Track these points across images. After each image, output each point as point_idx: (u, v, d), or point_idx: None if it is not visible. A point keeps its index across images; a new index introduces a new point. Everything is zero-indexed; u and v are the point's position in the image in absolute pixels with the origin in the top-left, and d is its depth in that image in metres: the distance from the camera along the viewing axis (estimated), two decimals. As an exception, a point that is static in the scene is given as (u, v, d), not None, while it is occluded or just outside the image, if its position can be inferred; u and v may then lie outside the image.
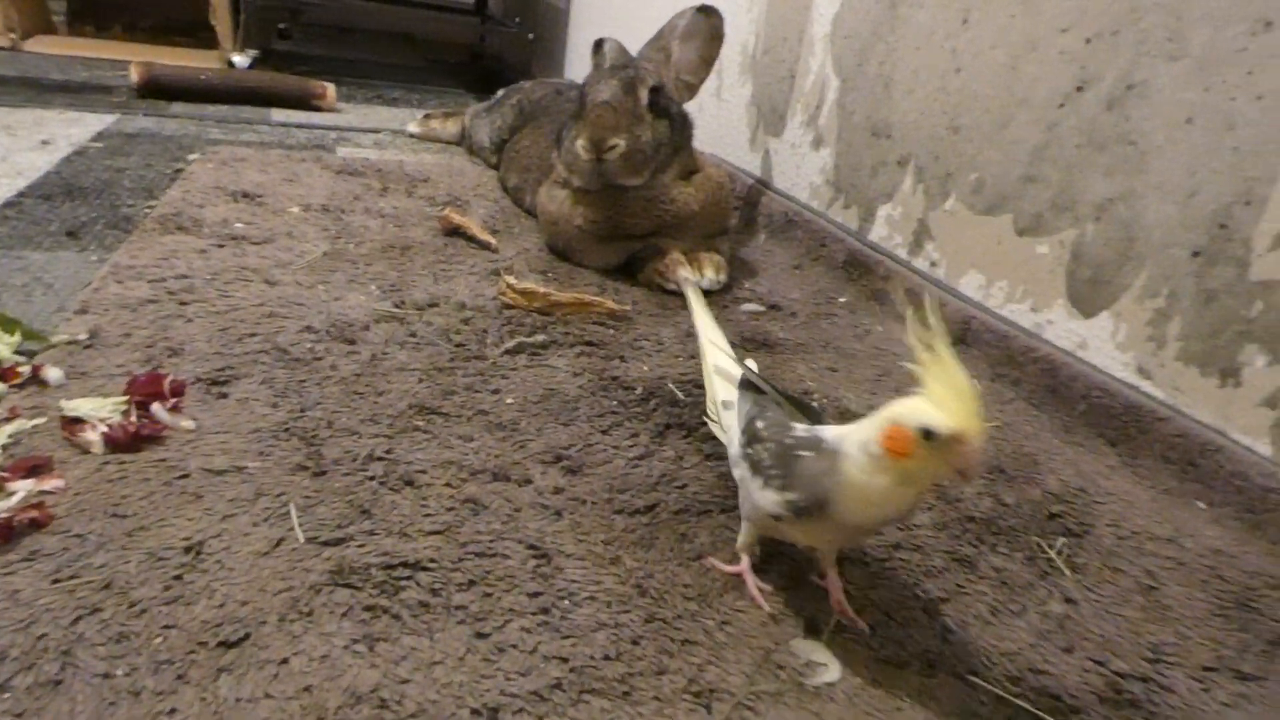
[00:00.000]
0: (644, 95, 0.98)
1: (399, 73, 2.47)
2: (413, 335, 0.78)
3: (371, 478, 0.56)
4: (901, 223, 1.01)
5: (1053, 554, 0.57)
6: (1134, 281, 0.73)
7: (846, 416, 0.73)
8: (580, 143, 0.96)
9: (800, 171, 1.24)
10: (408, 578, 0.47)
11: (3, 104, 1.40)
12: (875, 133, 1.07)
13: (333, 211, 1.09)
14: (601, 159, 0.95)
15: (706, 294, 0.98)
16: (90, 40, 2.09)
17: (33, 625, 0.41)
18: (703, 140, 1.53)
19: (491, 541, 0.51)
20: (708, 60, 1.10)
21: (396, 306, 0.83)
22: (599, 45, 1.13)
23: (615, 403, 0.70)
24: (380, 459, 0.58)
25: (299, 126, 1.58)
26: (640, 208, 1.01)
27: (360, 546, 0.49)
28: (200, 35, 2.27)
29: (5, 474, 0.49)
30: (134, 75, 1.59)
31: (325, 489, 0.54)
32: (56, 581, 0.43)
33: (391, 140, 1.59)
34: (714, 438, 0.67)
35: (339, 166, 1.31)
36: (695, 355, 0.81)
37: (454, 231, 1.08)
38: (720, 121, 1.50)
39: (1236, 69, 0.65)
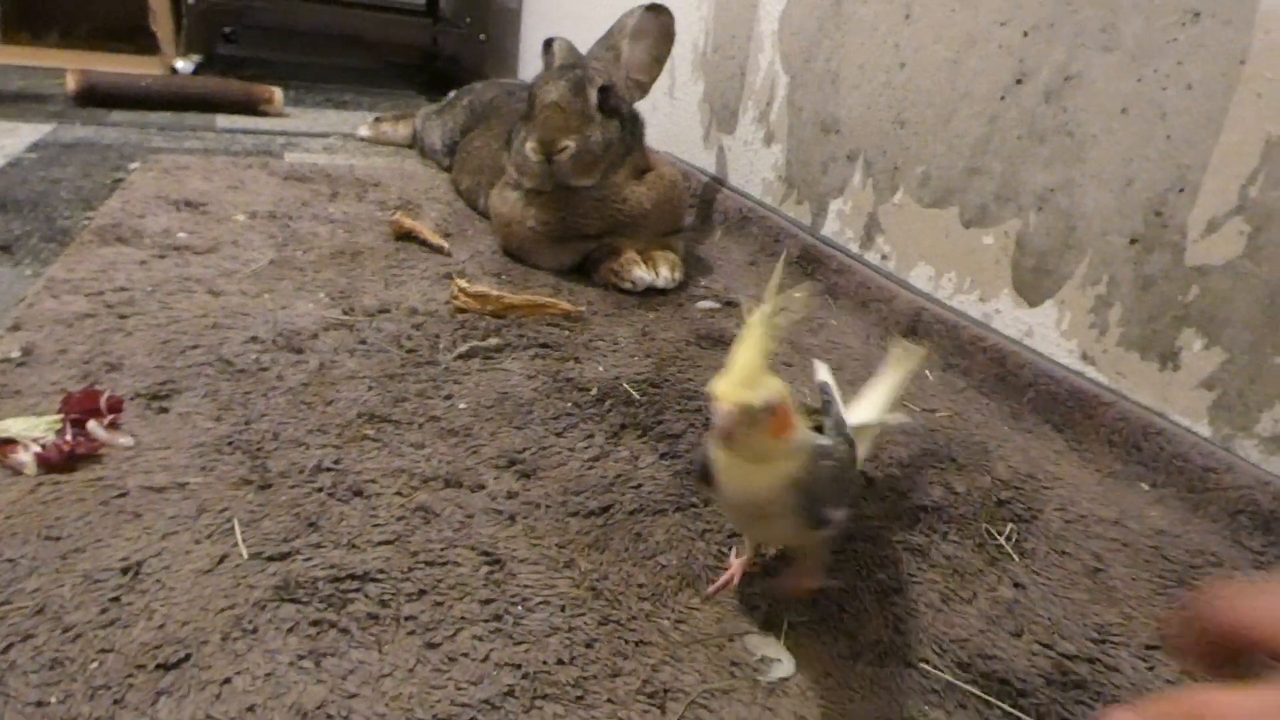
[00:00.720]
0: (593, 95, 0.97)
1: (349, 76, 2.44)
2: (363, 343, 0.76)
3: (319, 489, 0.55)
4: (852, 217, 1.02)
5: (1001, 540, 0.58)
6: (1075, 270, 0.75)
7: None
8: (530, 145, 0.95)
9: (753, 168, 1.25)
10: (356, 590, 0.46)
11: (-70, 114, 1.35)
12: (825, 128, 1.08)
13: (280, 219, 1.07)
14: (552, 160, 0.95)
15: (661, 293, 0.98)
16: (25, 48, 2.03)
17: (-42, 656, 0.39)
18: (656, 138, 1.53)
19: (443, 550, 0.51)
20: (659, 59, 1.10)
21: (346, 314, 0.82)
22: (548, 45, 1.12)
23: (570, 404, 0.70)
24: (328, 470, 0.57)
25: (245, 132, 1.55)
26: (592, 208, 1.00)
27: (307, 560, 0.48)
28: (140, 41, 2.22)
29: (-71, 499, 0.48)
30: (71, 83, 1.55)
31: (270, 503, 0.53)
32: (-16, 610, 0.42)
33: (342, 144, 1.57)
34: (670, 435, 0.67)
35: (286, 172, 1.28)
36: (650, 355, 0.82)
37: (405, 236, 1.07)
38: (673, 119, 1.50)
39: (1167, 59, 0.67)
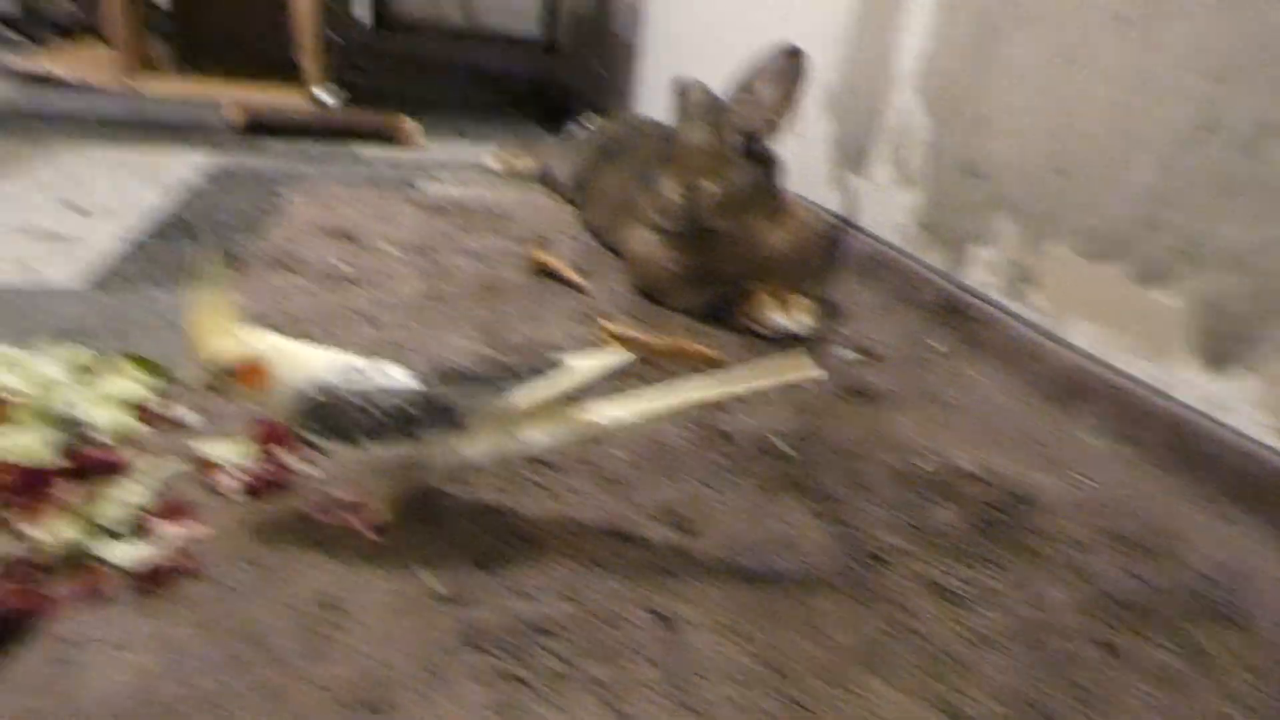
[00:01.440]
0: (735, 139, 0.98)
1: (470, 106, 2.53)
2: (515, 380, 0.78)
3: (488, 531, 0.56)
4: (999, 266, 0.99)
5: (1212, 646, 0.54)
6: (1278, 336, 0.69)
7: (960, 476, 0.71)
8: (672, 187, 0.96)
9: (886, 211, 1.22)
10: (538, 643, 0.47)
11: (122, 144, 1.48)
12: (969, 173, 1.05)
13: (424, 250, 1.12)
14: (693, 203, 0.95)
15: (796, 339, 0.97)
16: (191, 81, 2.20)
17: (186, 674, 0.42)
18: (787, 180, 1.52)
19: (615, 606, 0.51)
20: (791, 99, 1.10)
21: (492, 349, 0.84)
22: (684, 88, 1.13)
23: (722, 456, 0.70)
24: (496, 511, 0.58)
25: (385, 163, 1.63)
26: (730, 251, 1.00)
27: (486, 606, 0.49)
28: (288, 74, 2.37)
29: (155, 517, 0.51)
30: (233, 115, 1.66)
31: (447, 544, 0.55)
32: (206, 631, 0.44)
33: (472, 176, 1.63)
34: (829, 497, 0.65)
35: (425, 203, 1.34)
36: (796, 406, 0.80)
37: (543, 271, 1.09)
38: (798, 159, 1.49)
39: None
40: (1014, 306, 0.96)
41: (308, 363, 0.51)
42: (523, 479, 0.63)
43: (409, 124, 1.79)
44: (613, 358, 0.55)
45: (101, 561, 0.47)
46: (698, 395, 0.54)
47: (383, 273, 1.01)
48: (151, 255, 0.98)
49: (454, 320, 0.90)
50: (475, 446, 0.52)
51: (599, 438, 0.65)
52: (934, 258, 1.11)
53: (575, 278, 1.07)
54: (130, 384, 0.64)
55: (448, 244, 1.15)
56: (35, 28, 2.48)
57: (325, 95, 2.06)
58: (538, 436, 0.53)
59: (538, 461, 0.65)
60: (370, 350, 0.79)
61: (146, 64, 2.12)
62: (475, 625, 0.48)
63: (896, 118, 1.19)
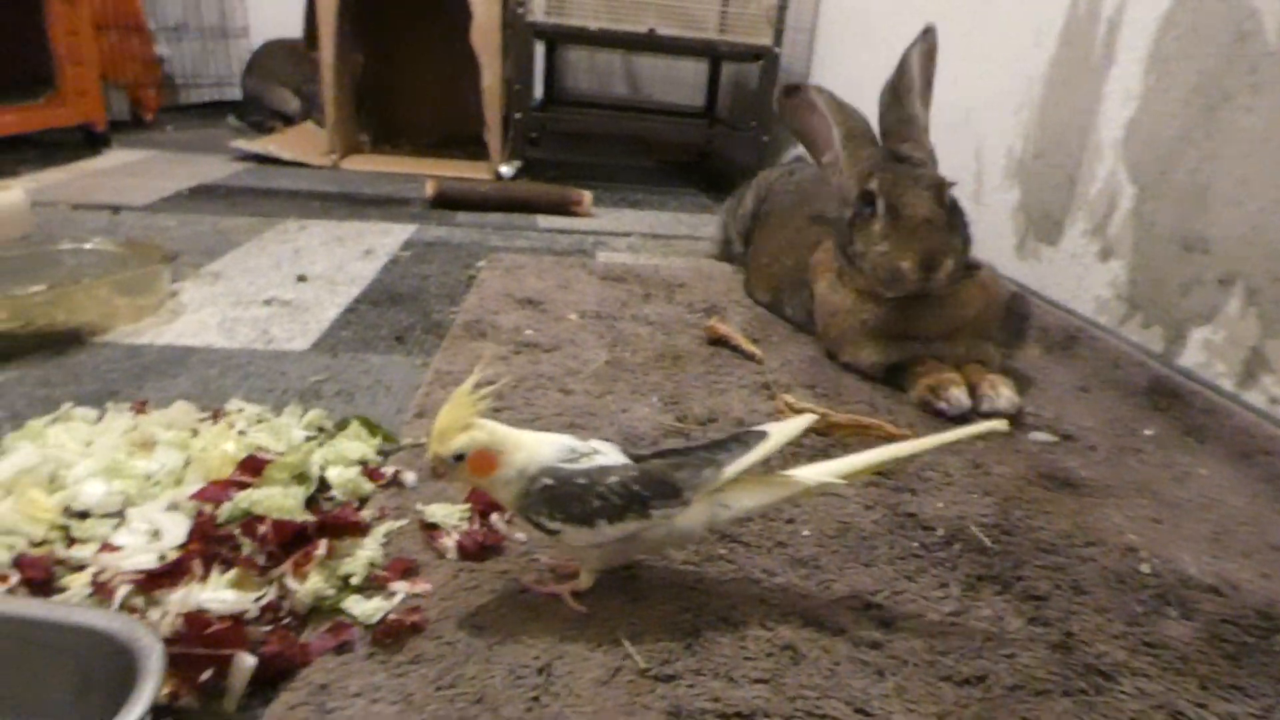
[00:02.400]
0: (948, 198, 0.97)
1: (634, 174, 2.65)
2: (698, 453, 0.79)
3: (687, 609, 0.57)
4: (1226, 349, 0.90)
5: None
6: None
7: (1190, 586, 0.64)
8: (907, 265, 0.95)
9: (1083, 284, 1.15)
10: (743, 730, 0.47)
11: (332, 217, 1.66)
12: (1186, 246, 0.97)
13: (605, 318, 1.17)
14: (932, 277, 0.95)
15: (980, 415, 0.92)
16: (388, 157, 2.44)
17: (423, 736, 0.44)
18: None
19: (818, 699, 0.50)
20: (930, 83, 1.09)
21: (679, 420, 0.86)
22: (846, 116, 1.09)
23: (916, 544, 0.67)
24: (693, 588, 0.59)
25: (561, 232, 1.73)
26: (933, 310, 0.99)
27: (690, 687, 0.50)
28: (470, 148, 2.59)
29: (385, 573, 0.56)
30: (429, 189, 1.83)
31: (647, 617, 0.56)
32: (439, 689, 0.48)
33: (643, 244, 1.69)
34: (1035, 597, 0.61)
35: (603, 272, 1.40)
36: (991, 492, 0.76)
37: (718, 341, 1.11)
38: (980, 226, 1.44)
39: None
40: (1243, 394, 0.87)
41: (533, 449, 0.53)
42: (715, 556, 0.63)
43: (583, 195, 1.90)
44: (803, 421, 0.57)
45: (345, 614, 0.52)
46: (892, 453, 0.56)
47: (568, 340, 1.06)
48: (366, 321, 1.09)
49: (639, 389, 0.93)
50: (691, 519, 0.54)
51: (800, 500, 0.68)
52: (1141, 336, 1.03)
53: (749, 347, 1.08)
54: (359, 444, 0.71)
55: (626, 312, 1.20)
56: (259, 114, 2.86)
57: (506, 169, 2.23)
58: (746, 502, 0.55)
59: (730, 539, 0.65)
60: (564, 418, 0.84)
61: (352, 144, 2.39)
62: (680, 704, 0.48)
63: (1096, 186, 1.13)
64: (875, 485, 0.76)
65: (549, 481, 0.52)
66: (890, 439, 0.86)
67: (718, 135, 3.10)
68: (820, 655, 0.53)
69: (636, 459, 0.55)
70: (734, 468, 0.54)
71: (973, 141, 1.47)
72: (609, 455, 0.55)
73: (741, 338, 1.10)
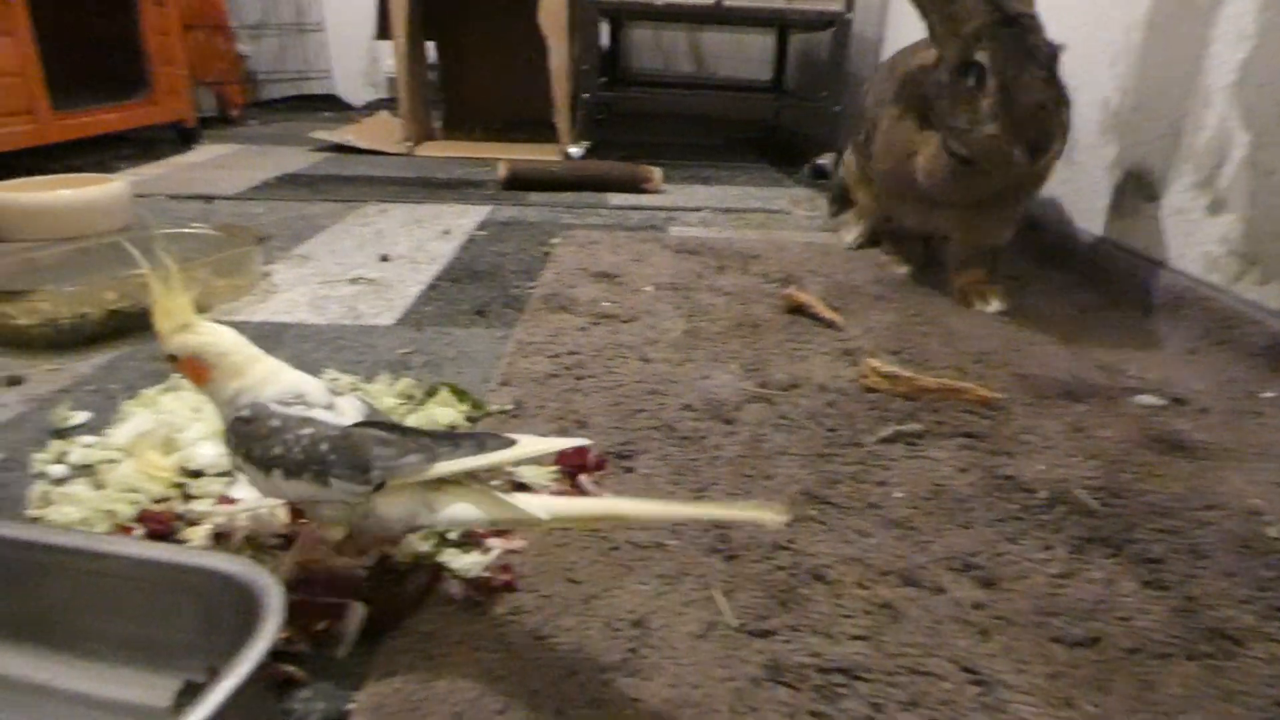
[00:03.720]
0: (1059, 72, 0.96)
1: (701, 152, 2.62)
2: (784, 418, 0.78)
3: (781, 568, 0.56)
4: (1355, 303, 0.84)
5: None
6: None
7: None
8: (1018, 152, 0.93)
9: (1190, 241, 1.08)
10: (844, 685, 0.46)
11: (410, 201, 1.70)
12: (1307, 196, 0.90)
13: (680, 289, 1.16)
14: (1041, 162, 0.96)
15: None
16: (460, 142, 2.48)
17: (527, 679, 0.45)
18: (1051, 206, 1.41)
19: (920, 657, 0.48)
20: None
21: (761, 387, 0.85)
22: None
23: (1015, 507, 0.65)
24: (785, 548, 0.58)
25: (633, 209, 1.73)
26: (986, 178, 1.03)
27: (786, 642, 0.49)
28: (538, 131, 2.61)
29: (481, 531, 0.57)
30: (501, 171, 1.85)
31: (740, 575, 0.55)
32: (538, 638, 0.48)
33: (714, 219, 1.67)
34: (1150, 560, 0.58)
35: (677, 246, 1.39)
36: (1095, 455, 0.73)
37: (797, 309, 1.09)
38: (1071, 186, 1.38)
39: None
40: (1375, 348, 0.81)
41: (256, 378, 0.48)
42: (805, 516, 0.62)
43: (653, 172, 1.89)
44: (569, 442, 0.50)
45: (444, 568, 0.53)
46: (651, 512, 0.48)
47: (645, 311, 1.06)
48: (447, 297, 1.11)
49: (718, 357, 0.92)
50: (388, 507, 0.47)
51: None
52: (1258, 293, 0.96)
53: (830, 314, 1.06)
54: (449, 410, 0.73)
55: (702, 283, 1.19)
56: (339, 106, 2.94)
57: (575, 149, 2.24)
58: (460, 511, 0.47)
59: (819, 500, 0.64)
60: (645, 384, 0.84)
61: (425, 131, 2.43)
62: (777, 659, 0.48)
63: (1204, 135, 1.06)
64: (969, 448, 0.74)
65: (246, 413, 0.47)
66: (984, 403, 0.83)
67: (786, 108, 3.05)
68: (921, 614, 0.52)
69: (362, 424, 0.48)
70: (447, 465, 0.45)
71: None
72: (342, 413, 0.48)
73: (821, 305, 1.08)
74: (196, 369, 0.49)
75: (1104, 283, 1.22)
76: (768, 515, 0.43)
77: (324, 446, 0.46)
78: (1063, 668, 0.48)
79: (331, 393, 0.50)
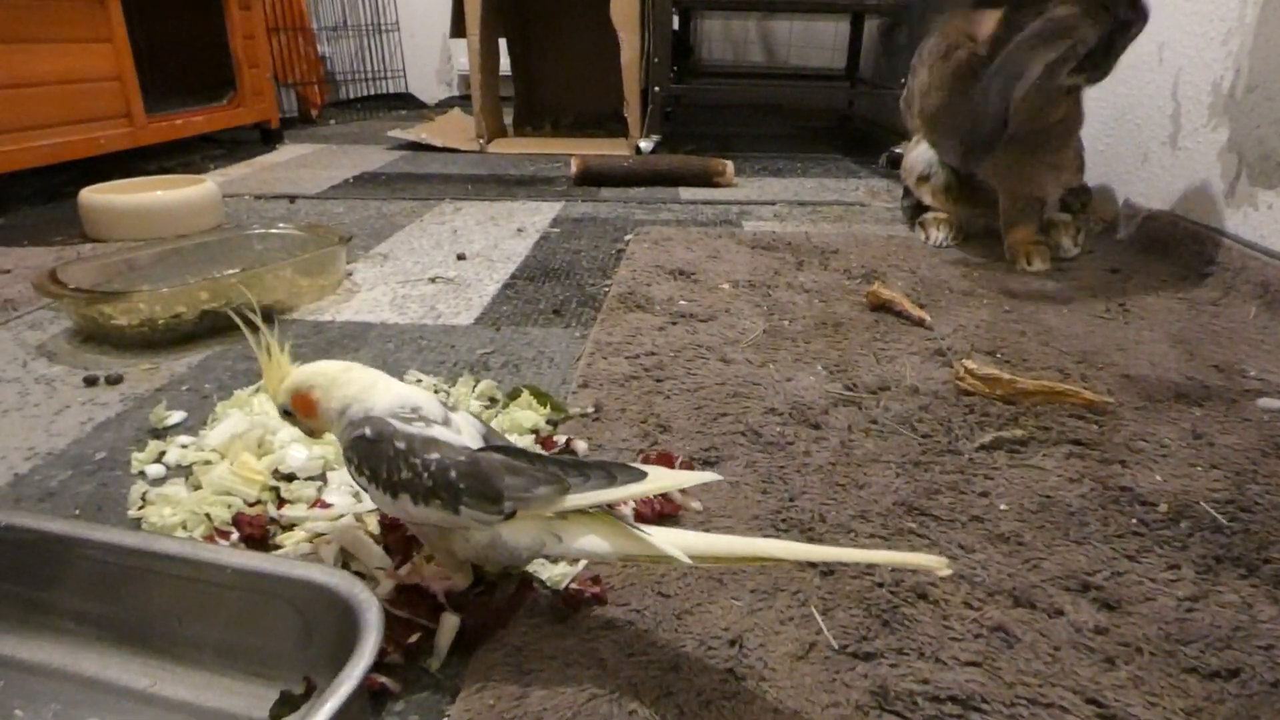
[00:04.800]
0: None
1: (772, 143, 2.57)
2: (874, 422, 0.75)
3: (880, 584, 0.53)
4: None
5: None
6: None
7: None
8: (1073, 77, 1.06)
9: (1315, 231, 1.00)
10: (958, 716, 0.43)
11: (484, 198, 1.71)
12: None
13: (759, 287, 1.13)
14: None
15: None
16: (530, 139, 2.50)
17: (623, 699, 0.44)
18: (1154, 195, 1.33)
19: (1040, 687, 0.45)
20: None
21: (848, 389, 0.82)
22: None
23: (1134, 521, 0.60)
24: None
25: (705, 203, 1.70)
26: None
27: (893, 666, 0.46)
28: (608, 126, 2.60)
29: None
30: (573, 167, 1.85)
31: (838, 592, 0.53)
32: (630, 655, 0.47)
33: (789, 212, 1.63)
34: (1294, 583, 0.53)
35: (751, 241, 1.36)
36: (1218, 465, 0.67)
37: (881, 306, 1.05)
38: (1175, 173, 1.29)
39: None
40: None
41: (362, 390, 0.48)
42: (904, 529, 0.59)
43: (726, 165, 1.86)
44: (702, 477, 0.46)
45: (534, 579, 0.52)
46: (783, 553, 0.43)
47: (723, 309, 1.04)
48: (524, 296, 1.11)
49: (801, 358, 0.89)
50: (517, 534, 0.46)
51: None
52: (1397, 286, 0.88)
53: (917, 311, 1.02)
54: (531, 414, 0.72)
55: (780, 280, 1.16)
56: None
57: (645, 144, 2.22)
58: (590, 544, 0.45)
59: (918, 512, 0.61)
60: (727, 387, 0.81)
61: (496, 128, 2.45)
62: (885, 685, 0.45)
63: (1331, 116, 0.98)
64: (1078, 456, 0.69)
65: (366, 432, 0.46)
66: (1091, 407, 0.78)
67: (860, 97, 2.96)
68: (1037, 639, 0.49)
69: (489, 448, 0.47)
70: (581, 498, 0.44)
71: (1168, 79, 1.31)
72: (460, 433, 0.47)
73: (907, 302, 1.04)
74: (305, 404, 0.50)
75: (1215, 275, 1.14)
76: (931, 562, 0.40)
77: (453, 474, 0.45)
78: (1201, 702, 0.44)
79: (447, 407, 0.49)
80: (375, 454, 0.46)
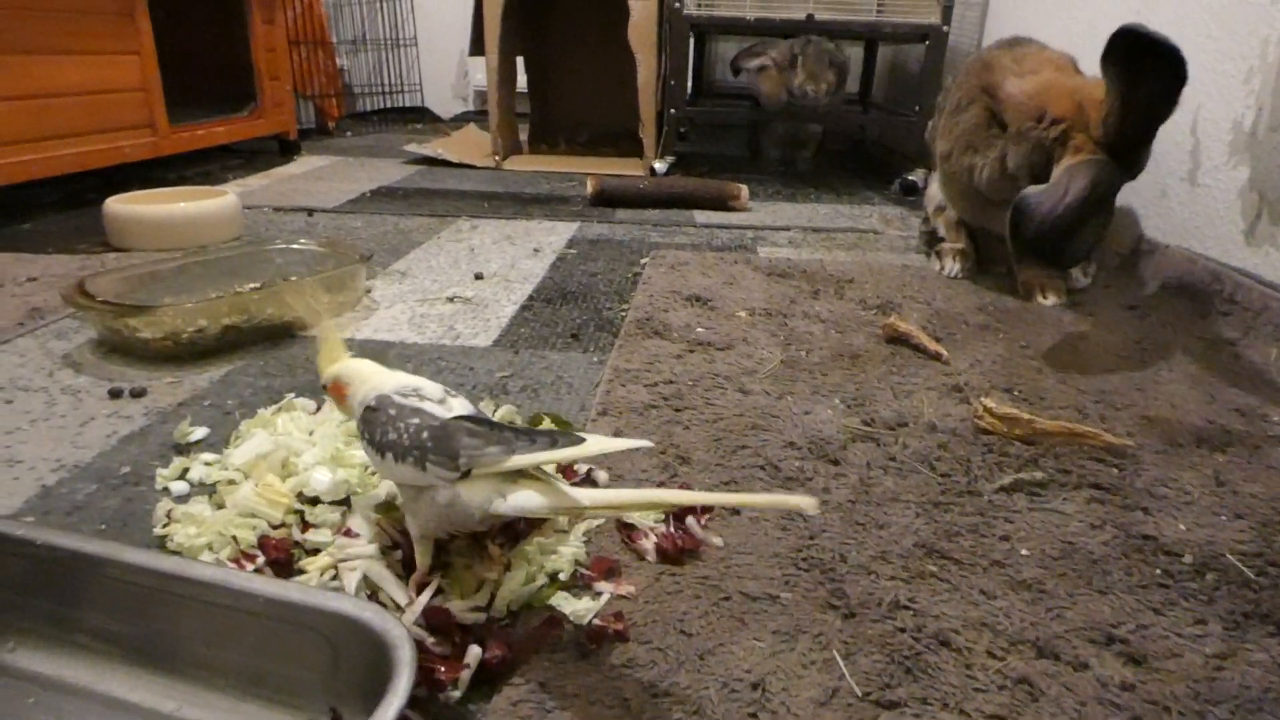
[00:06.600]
0: None
1: (790, 168, 2.57)
2: (892, 459, 0.75)
3: (902, 629, 0.53)
4: None
5: None
6: None
7: None
8: None
9: (1336, 275, 1.00)
10: (985, 770, 0.43)
11: (501, 216, 1.72)
12: None
13: (775, 315, 1.13)
14: None
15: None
16: (546, 156, 2.51)
17: (644, 745, 0.44)
18: (1172, 231, 1.33)
19: (1067, 741, 0.45)
20: None
21: (866, 424, 0.82)
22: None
23: (1158, 572, 0.60)
24: (905, 608, 0.55)
25: (720, 227, 1.71)
26: None
27: (917, 717, 0.46)
28: (623, 145, 2.62)
29: (590, 573, 0.56)
30: (589, 187, 1.86)
31: (859, 636, 0.52)
32: (654, 696, 0.47)
33: (803, 238, 1.64)
34: (1320, 641, 0.53)
35: (768, 268, 1.37)
36: (1243, 514, 0.67)
37: (897, 339, 1.05)
38: (1194, 210, 1.29)
39: None
40: None
41: (378, 382, 0.56)
42: (925, 573, 0.59)
43: (741, 189, 1.86)
44: (633, 443, 0.51)
45: (556, 611, 0.52)
46: (685, 498, 0.53)
47: (740, 338, 1.04)
48: (542, 318, 1.12)
49: (819, 390, 0.89)
50: (470, 494, 0.50)
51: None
52: None
53: (934, 345, 1.02)
54: (552, 440, 0.72)
55: (796, 309, 1.16)
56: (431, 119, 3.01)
57: (659, 164, 2.23)
58: (525, 499, 0.50)
59: (938, 554, 0.61)
60: (745, 419, 0.81)
61: (512, 145, 2.47)
62: (908, 737, 0.45)
63: (1354, 162, 0.98)
64: (1099, 501, 0.69)
65: (371, 403, 0.54)
66: (1111, 450, 0.77)
67: (874, 122, 2.97)
68: (1062, 693, 0.48)
69: (459, 417, 0.52)
70: (522, 458, 0.49)
71: (1187, 115, 1.32)
72: (450, 406, 0.53)
73: (924, 335, 1.04)
74: (339, 390, 0.58)
75: (1234, 315, 1.14)
76: (802, 503, 0.44)
77: (425, 434, 0.51)
78: (1229, 765, 0.44)
79: (447, 393, 0.55)
80: (373, 419, 0.53)
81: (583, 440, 0.49)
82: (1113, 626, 0.54)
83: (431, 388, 0.55)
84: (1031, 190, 1.11)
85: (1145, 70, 0.98)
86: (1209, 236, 1.25)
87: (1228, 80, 1.22)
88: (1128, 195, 1.47)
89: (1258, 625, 0.54)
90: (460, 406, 0.54)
